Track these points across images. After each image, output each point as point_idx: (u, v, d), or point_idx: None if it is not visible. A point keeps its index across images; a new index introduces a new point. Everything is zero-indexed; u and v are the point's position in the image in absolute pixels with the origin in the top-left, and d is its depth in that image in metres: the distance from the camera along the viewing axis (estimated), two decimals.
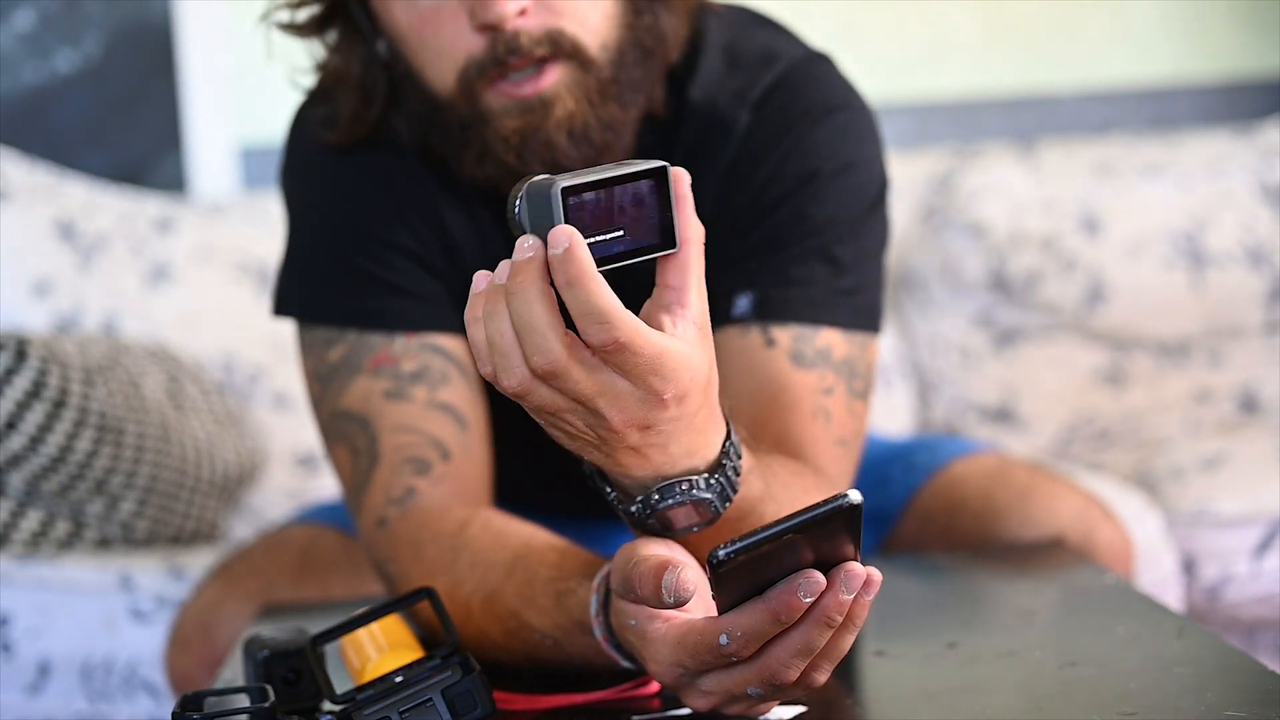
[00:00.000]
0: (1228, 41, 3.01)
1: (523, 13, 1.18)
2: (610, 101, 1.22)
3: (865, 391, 1.27)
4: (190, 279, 2.51)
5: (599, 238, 0.87)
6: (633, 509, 0.97)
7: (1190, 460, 2.30)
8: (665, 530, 0.99)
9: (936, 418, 2.64)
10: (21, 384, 1.99)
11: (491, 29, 1.18)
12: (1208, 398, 2.61)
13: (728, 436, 0.98)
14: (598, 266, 0.87)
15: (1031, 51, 2.98)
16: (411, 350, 1.27)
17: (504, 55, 1.18)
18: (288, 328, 1.38)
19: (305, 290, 1.34)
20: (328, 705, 1.03)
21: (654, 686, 1.07)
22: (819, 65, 1.33)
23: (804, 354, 1.23)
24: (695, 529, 0.99)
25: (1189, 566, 2.13)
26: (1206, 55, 3.01)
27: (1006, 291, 2.61)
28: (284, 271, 1.37)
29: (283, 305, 1.36)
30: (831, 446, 1.21)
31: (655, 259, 0.91)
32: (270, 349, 2.48)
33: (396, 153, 1.32)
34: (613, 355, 0.88)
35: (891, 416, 2.55)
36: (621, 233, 0.88)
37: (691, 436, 0.94)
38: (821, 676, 0.90)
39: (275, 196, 2.64)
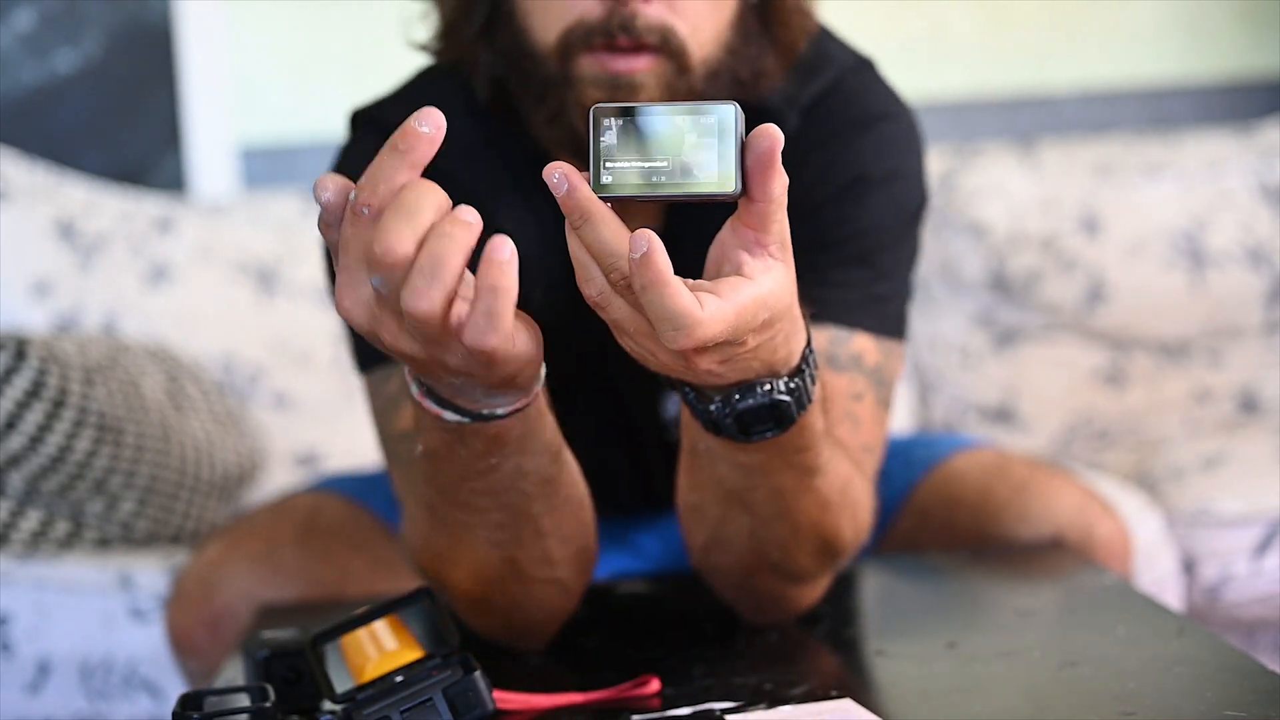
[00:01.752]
0: (1228, 41, 3.01)
1: None
2: None
3: (889, 400, 1.28)
4: (190, 279, 2.51)
5: (639, 164, 0.86)
6: (711, 408, 0.99)
7: (1190, 460, 2.30)
8: (740, 433, 1.00)
9: (936, 417, 2.64)
10: (21, 384, 1.99)
11: (613, 1, 1.19)
12: (1208, 398, 2.61)
13: (808, 344, 0.99)
14: (634, 194, 0.86)
15: (1031, 51, 2.98)
16: None
17: (616, 29, 1.19)
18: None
19: (359, 340, 1.34)
20: (328, 705, 1.03)
21: (654, 686, 1.07)
22: (867, 73, 1.36)
23: (838, 357, 1.23)
24: (769, 434, 1.01)
25: (1189, 566, 2.13)
26: (1206, 55, 3.01)
27: (1006, 291, 2.61)
28: (346, 330, 1.36)
29: (357, 364, 1.35)
30: (857, 451, 1.22)
31: (713, 199, 0.87)
32: (270, 349, 2.48)
33: (456, 156, 1.31)
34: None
35: (892, 416, 2.55)
36: (666, 163, 0.86)
37: (773, 351, 0.95)
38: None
39: (275, 196, 2.65)
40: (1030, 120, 2.95)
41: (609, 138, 0.86)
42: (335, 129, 1.52)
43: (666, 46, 1.21)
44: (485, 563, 1.11)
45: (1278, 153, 2.70)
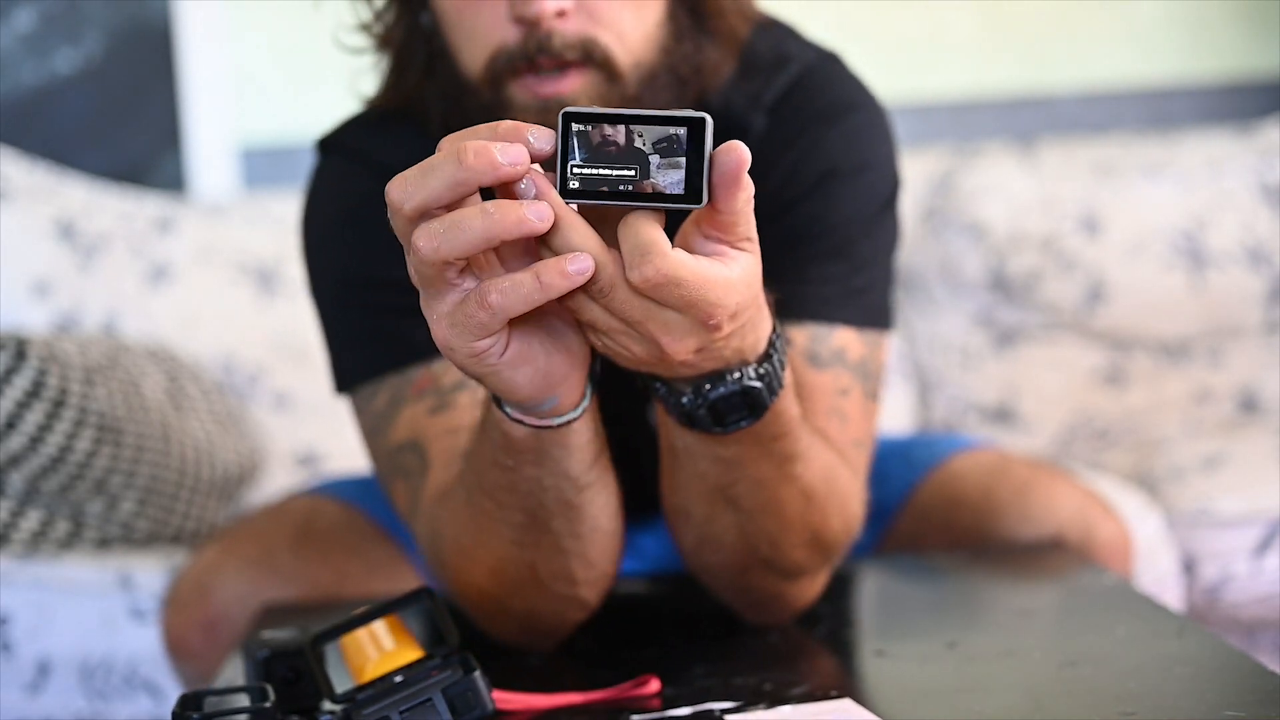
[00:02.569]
0: (1228, 41, 3.01)
1: (561, 14, 1.19)
2: None
3: (877, 392, 1.28)
4: (190, 279, 2.51)
5: (606, 171, 0.86)
6: (684, 400, 1.00)
7: (1190, 460, 2.30)
8: (715, 424, 1.01)
9: (936, 418, 2.64)
10: (21, 384, 1.99)
11: (527, 24, 1.19)
12: (1208, 398, 2.61)
13: (774, 329, 1.00)
14: (600, 199, 0.86)
15: (1031, 51, 2.98)
16: (449, 366, 1.27)
17: (534, 52, 1.19)
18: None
19: (339, 361, 1.35)
20: (328, 705, 1.03)
21: (654, 686, 1.07)
22: (831, 66, 1.35)
23: (820, 355, 1.23)
24: (744, 423, 1.01)
25: (1189, 566, 2.13)
26: (1207, 55, 3.01)
27: (1006, 291, 2.61)
28: (326, 352, 1.37)
29: (336, 384, 1.36)
30: (847, 446, 1.22)
31: (678, 209, 0.87)
32: (270, 349, 2.48)
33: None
34: (657, 290, 0.87)
35: (891, 416, 2.55)
36: (634, 171, 0.86)
37: (742, 338, 0.96)
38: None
39: (275, 196, 2.65)
40: (1030, 120, 2.95)
41: (577, 143, 0.86)
42: None
43: (591, 59, 1.20)
44: (506, 561, 1.11)
45: (1278, 153, 2.70)
